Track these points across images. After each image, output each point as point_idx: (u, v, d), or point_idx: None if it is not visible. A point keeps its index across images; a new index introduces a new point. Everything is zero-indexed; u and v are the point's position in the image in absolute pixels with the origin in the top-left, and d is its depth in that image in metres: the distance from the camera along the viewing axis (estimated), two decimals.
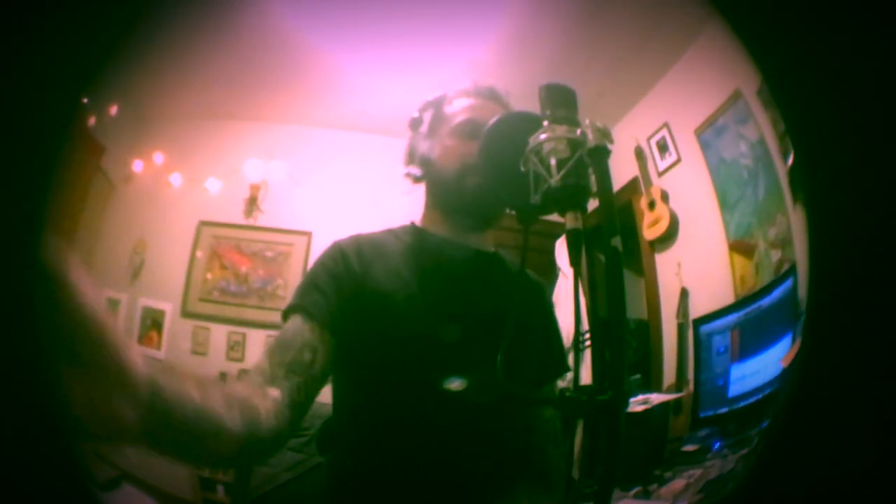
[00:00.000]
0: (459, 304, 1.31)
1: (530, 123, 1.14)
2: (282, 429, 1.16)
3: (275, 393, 1.17)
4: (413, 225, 1.37)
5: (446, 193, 1.34)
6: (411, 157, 1.34)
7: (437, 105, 1.35)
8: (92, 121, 1.49)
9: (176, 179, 1.43)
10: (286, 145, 1.44)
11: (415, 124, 1.35)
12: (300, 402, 1.20)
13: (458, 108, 1.34)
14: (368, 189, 1.43)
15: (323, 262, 1.31)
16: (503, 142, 1.21)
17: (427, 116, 1.35)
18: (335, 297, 1.27)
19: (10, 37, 1.52)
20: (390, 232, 1.37)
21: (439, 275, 1.34)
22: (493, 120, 1.25)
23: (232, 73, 1.45)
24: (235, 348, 1.40)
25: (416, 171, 1.35)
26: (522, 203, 1.15)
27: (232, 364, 1.39)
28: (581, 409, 1.05)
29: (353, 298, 1.28)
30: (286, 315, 1.27)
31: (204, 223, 1.43)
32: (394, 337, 1.28)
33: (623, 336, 1.06)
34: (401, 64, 1.38)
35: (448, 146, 1.32)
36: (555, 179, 1.08)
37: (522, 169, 1.13)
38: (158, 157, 1.44)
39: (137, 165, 1.44)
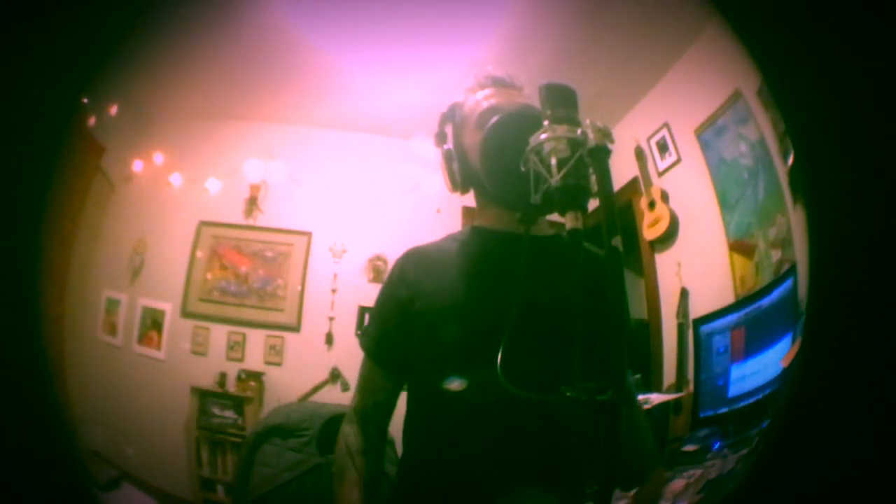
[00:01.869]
0: (508, 294, 1.29)
1: (530, 121, 1.14)
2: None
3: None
4: (472, 226, 1.37)
5: (485, 185, 1.33)
6: (452, 177, 1.34)
7: (452, 113, 1.35)
8: (92, 121, 1.49)
9: (176, 179, 1.43)
10: (286, 145, 1.43)
11: (440, 139, 1.35)
12: (385, 423, 1.39)
13: (473, 103, 1.34)
14: (368, 189, 1.43)
15: (383, 288, 1.37)
16: (503, 142, 1.21)
17: (449, 129, 1.35)
18: (395, 327, 1.36)
19: (10, 37, 1.53)
20: (450, 237, 1.38)
21: (490, 269, 1.34)
22: (491, 121, 1.25)
23: (232, 73, 1.45)
24: (235, 348, 1.39)
25: (459, 189, 1.35)
26: (523, 203, 1.15)
27: (232, 364, 1.39)
28: (581, 409, 1.05)
29: (409, 311, 1.34)
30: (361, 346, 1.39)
31: (204, 223, 1.42)
32: (443, 340, 1.30)
33: (623, 336, 1.06)
34: (401, 64, 1.38)
35: (476, 140, 1.31)
36: (555, 179, 1.08)
37: (523, 169, 1.13)
38: (158, 157, 1.44)
39: (137, 165, 1.44)
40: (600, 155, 1.07)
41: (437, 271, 1.34)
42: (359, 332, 1.39)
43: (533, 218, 1.25)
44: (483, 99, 1.33)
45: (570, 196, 1.08)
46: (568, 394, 1.05)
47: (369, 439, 1.36)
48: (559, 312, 1.23)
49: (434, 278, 1.33)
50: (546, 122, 1.11)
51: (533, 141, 1.11)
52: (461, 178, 1.33)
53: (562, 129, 1.09)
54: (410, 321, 1.32)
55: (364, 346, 1.38)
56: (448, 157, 1.33)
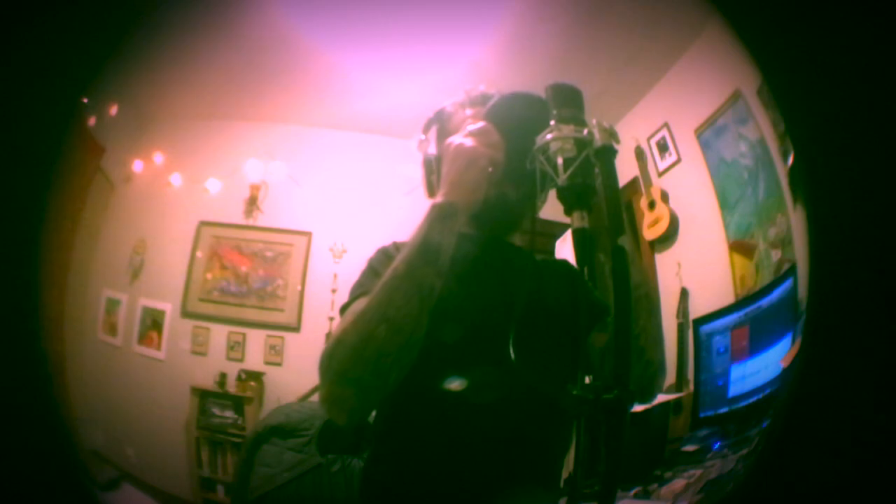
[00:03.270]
0: (478, 298, 1.30)
1: (529, 101, 1.14)
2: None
3: None
4: None
5: None
6: (429, 185, 1.33)
7: (438, 121, 1.35)
8: (92, 121, 1.49)
9: (176, 179, 1.43)
10: (286, 145, 1.43)
11: (423, 146, 1.35)
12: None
13: (461, 118, 1.33)
14: (368, 189, 1.43)
15: (371, 263, 1.33)
16: (503, 123, 1.22)
17: (432, 135, 1.35)
18: None
19: (10, 37, 1.52)
20: None
21: (478, 268, 1.32)
22: (490, 103, 1.26)
23: (232, 73, 1.45)
24: (235, 348, 1.39)
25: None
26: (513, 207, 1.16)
27: (232, 364, 1.39)
28: (587, 408, 1.05)
29: None
30: (352, 302, 1.30)
31: (204, 223, 1.42)
32: (440, 336, 1.26)
33: (629, 335, 1.06)
34: (400, 64, 1.38)
35: None
36: (561, 179, 1.08)
37: (528, 167, 1.13)
38: (158, 157, 1.44)
39: (137, 165, 1.44)
40: (607, 155, 1.07)
41: None
42: (358, 291, 1.33)
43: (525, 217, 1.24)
44: (471, 116, 1.33)
45: (577, 195, 1.08)
46: (574, 392, 1.05)
47: None
48: (557, 313, 1.23)
49: None
50: (552, 122, 1.11)
51: (539, 140, 1.11)
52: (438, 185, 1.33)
53: (568, 129, 1.09)
54: None
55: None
56: (428, 166, 1.33)
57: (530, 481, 1.29)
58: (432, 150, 1.34)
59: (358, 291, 1.31)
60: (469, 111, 1.34)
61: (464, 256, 1.31)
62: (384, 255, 1.32)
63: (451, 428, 1.28)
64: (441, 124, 1.35)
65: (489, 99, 1.33)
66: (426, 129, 1.36)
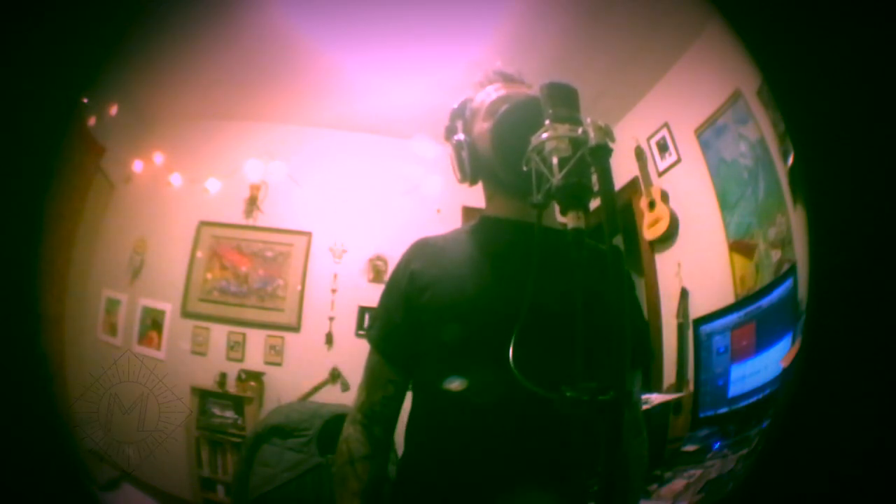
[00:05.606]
0: (517, 288, 1.26)
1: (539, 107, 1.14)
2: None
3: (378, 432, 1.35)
4: (481, 216, 1.37)
5: (496, 173, 1.33)
6: (462, 167, 1.35)
7: (463, 107, 1.36)
8: (92, 121, 1.49)
9: (176, 179, 1.43)
10: (286, 145, 1.43)
11: (450, 132, 1.36)
12: (393, 422, 1.35)
13: (483, 95, 1.34)
14: (368, 189, 1.43)
15: (382, 295, 1.36)
16: (515, 125, 1.22)
17: (459, 123, 1.35)
18: (402, 319, 1.32)
19: (10, 37, 1.53)
20: (459, 228, 1.38)
21: (500, 260, 1.33)
22: (503, 106, 1.26)
23: (232, 73, 1.45)
24: (235, 348, 1.39)
25: (468, 180, 1.35)
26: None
27: (232, 364, 1.39)
28: (583, 409, 1.04)
29: (417, 303, 1.31)
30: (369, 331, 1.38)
31: (204, 223, 1.43)
32: (450, 335, 1.28)
33: (625, 335, 1.06)
34: (401, 64, 1.38)
35: (486, 127, 1.31)
36: (557, 178, 1.07)
37: (525, 168, 1.13)
38: (158, 157, 1.44)
39: (137, 165, 1.44)
40: (602, 154, 1.06)
41: (445, 262, 1.33)
42: (364, 327, 1.38)
43: (546, 202, 1.23)
44: (493, 91, 1.33)
45: (572, 195, 1.07)
46: (568, 394, 1.05)
47: (374, 442, 1.33)
48: (569, 309, 1.22)
49: (442, 270, 1.32)
50: (547, 122, 1.11)
51: (534, 140, 1.11)
52: (471, 167, 1.33)
53: (563, 129, 1.09)
54: (418, 314, 1.31)
55: (371, 340, 1.35)
56: (458, 147, 1.34)
57: (546, 481, 1.29)
58: (460, 132, 1.35)
59: (372, 332, 1.37)
60: (489, 88, 1.35)
61: (494, 246, 1.32)
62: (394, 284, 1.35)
63: (470, 425, 1.28)
64: (465, 112, 1.36)
65: (507, 77, 1.34)
66: (453, 119, 1.37)
